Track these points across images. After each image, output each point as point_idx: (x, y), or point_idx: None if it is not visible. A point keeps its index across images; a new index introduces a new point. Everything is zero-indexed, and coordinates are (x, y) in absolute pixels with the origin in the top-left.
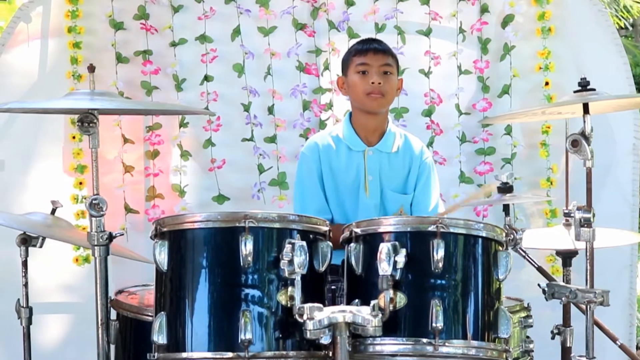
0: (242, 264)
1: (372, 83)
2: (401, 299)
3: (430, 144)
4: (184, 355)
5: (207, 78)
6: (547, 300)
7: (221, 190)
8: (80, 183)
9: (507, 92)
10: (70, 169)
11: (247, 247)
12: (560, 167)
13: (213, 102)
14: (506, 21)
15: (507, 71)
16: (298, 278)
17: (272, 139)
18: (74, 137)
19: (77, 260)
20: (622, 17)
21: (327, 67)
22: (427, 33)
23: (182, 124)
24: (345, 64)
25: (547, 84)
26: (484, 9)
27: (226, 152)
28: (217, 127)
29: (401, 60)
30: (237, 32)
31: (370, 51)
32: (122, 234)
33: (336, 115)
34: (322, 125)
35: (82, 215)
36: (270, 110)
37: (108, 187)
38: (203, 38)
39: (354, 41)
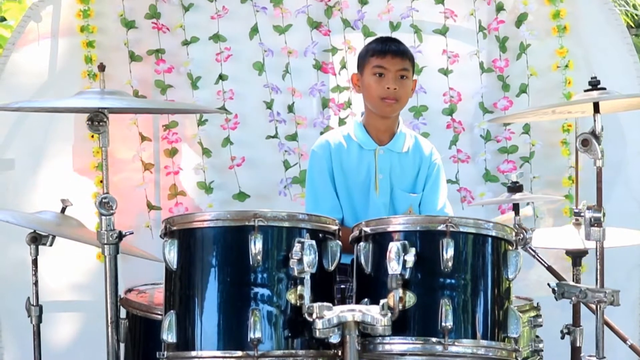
0: (251, 262)
1: (388, 88)
2: (410, 298)
3: (454, 142)
4: (193, 353)
5: (221, 77)
6: (556, 299)
7: (242, 188)
8: (101, 181)
9: (524, 91)
10: (91, 168)
11: (256, 246)
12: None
13: (229, 101)
14: (520, 20)
15: (524, 70)
16: (307, 277)
17: (293, 137)
18: (92, 136)
19: (100, 256)
20: (633, 15)
21: (344, 66)
22: (444, 32)
23: (201, 122)
24: (362, 62)
25: (569, 82)
26: (500, 7)
27: (246, 150)
28: (235, 125)
29: (418, 59)
30: (255, 30)
31: (388, 54)
32: (132, 233)
33: (355, 113)
34: (341, 123)
35: None
36: (291, 108)
37: (127, 185)
38: (217, 37)
39: (370, 40)
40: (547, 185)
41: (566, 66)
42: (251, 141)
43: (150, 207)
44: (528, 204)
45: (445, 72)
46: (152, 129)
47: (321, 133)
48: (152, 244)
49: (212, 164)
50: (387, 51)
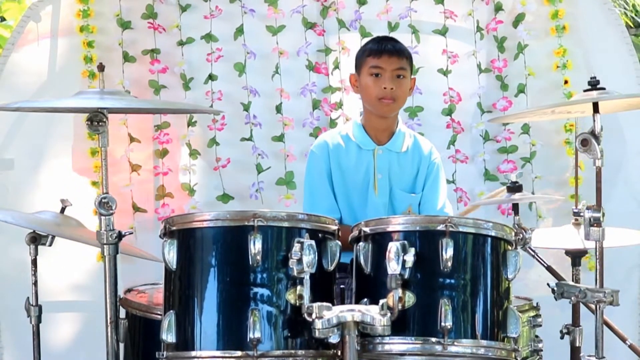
0: (251, 262)
1: (385, 88)
2: (410, 298)
3: (452, 142)
4: (193, 353)
5: (211, 77)
6: (556, 299)
7: (226, 189)
8: (95, 183)
9: (522, 91)
10: (94, 169)
11: (256, 246)
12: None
13: (217, 102)
14: (518, 20)
15: (522, 70)
16: (307, 277)
17: (279, 138)
18: (92, 137)
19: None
20: (633, 15)
21: (337, 66)
22: (444, 32)
23: (191, 123)
24: (359, 62)
25: (566, 82)
26: (498, 8)
27: (230, 152)
28: (222, 126)
29: (416, 59)
30: (240, 31)
31: (384, 53)
32: (132, 233)
33: (346, 114)
34: (332, 124)
35: None
36: (278, 109)
37: (116, 186)
38: (209, 37)
39: (367, 40)
40: (551, 186)
41: (565, 66)
42: (234, 143)
43: (135, 208)
44: None
45: (444, 72)
46: (145, 129)
47: (310, 134)
48: (136, 245)
49: (200, 165)
50: (383, 51)
